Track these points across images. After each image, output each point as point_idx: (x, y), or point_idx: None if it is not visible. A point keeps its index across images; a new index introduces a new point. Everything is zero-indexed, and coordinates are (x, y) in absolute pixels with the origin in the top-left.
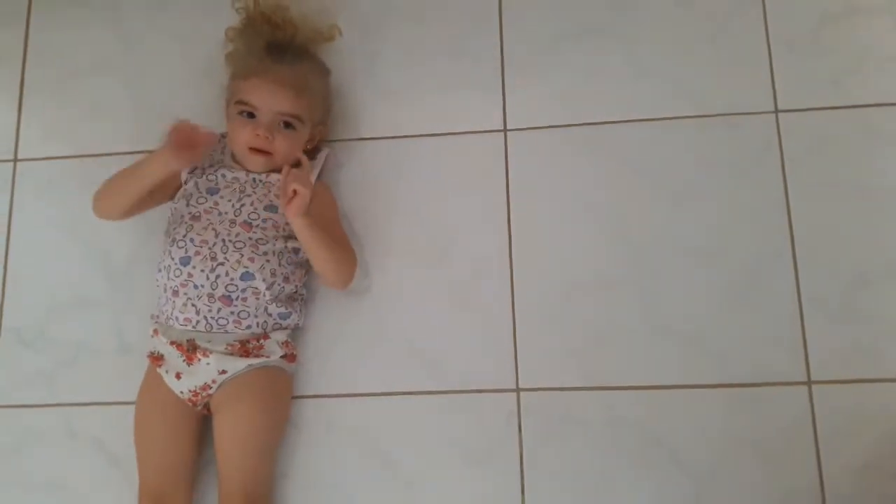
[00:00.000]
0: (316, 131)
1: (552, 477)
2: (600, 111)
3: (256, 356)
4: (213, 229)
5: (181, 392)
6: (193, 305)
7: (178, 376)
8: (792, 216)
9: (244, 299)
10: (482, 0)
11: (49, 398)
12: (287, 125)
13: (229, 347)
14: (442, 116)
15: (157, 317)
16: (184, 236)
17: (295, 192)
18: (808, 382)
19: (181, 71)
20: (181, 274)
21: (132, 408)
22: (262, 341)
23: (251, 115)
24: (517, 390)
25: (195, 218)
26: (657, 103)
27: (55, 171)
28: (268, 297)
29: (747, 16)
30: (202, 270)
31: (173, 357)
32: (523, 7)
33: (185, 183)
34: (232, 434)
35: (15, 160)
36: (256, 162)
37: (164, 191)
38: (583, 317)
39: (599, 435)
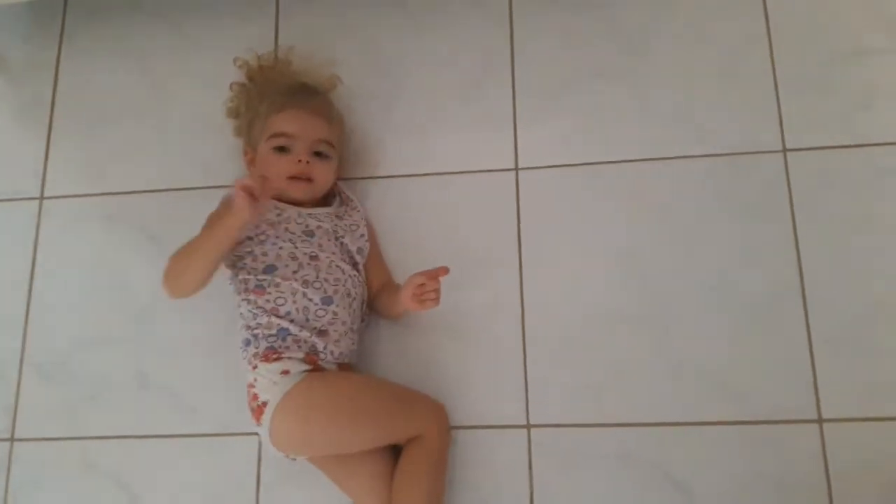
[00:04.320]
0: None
1: None
2: (610, 150)
3: None
4: (338, 267)
5: None
6: (341, 341)
7: None
8: (801, 254)
9: (360, 330)
10: (495, 42)
11: (69, 432)
12: (319, 154)
13: None
14: (455, 155)
15: (287, 351)
16: (317, 277)
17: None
18: (820, 420)
19: (205, 114)
20: (326, 314)
21: (150, 441)
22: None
23: (283, 150)
24: (528, 426)
25: (315, 258)
26: (666, 143)
27: (80, 208)
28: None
29: (755, 56)
30: (344, 308)
31: None
32: (535, 49)
33: (256, 228)
34: None
35: (41, 198)
36: (298, 189)
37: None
38: (593, 353)
39: (611, 471)
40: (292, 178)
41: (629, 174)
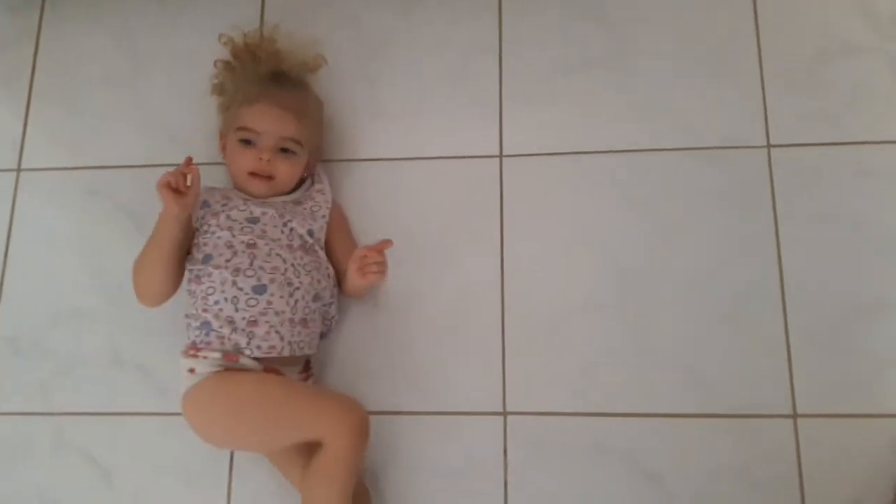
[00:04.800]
0: (311, 158)
1: (536, 501)
2: (595, 140)
3: (310, 376)
4: (279, 255)
5: None
6: (277, 332)
7: None
8: (781, 250)
9: (314, 320)
10: (483, 28)
11: (41, 407)
12: (285, 150)
13: (300, 376)
14: (438, 140)
15: (206, 348)
16: (251, 265)
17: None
18: (794, 415)
19: (189, 88)
20: (258, 303)
21: (123, 419)
22: (311, 360)
23: (248, 142)
24: (504, 413)
25: (252, 246)
26: (651, 134)
27: (58, 181)
28: (330, 315)
29: (742, 51)
30: (281, 297)
31: None
32: (523, 37)
33: (202, 219)
34: None
35: (18, 169)
36: (259, 187)
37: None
38: (572, 342)
39: (585, 460)
40: (252, 174)
41: (613, 164)
